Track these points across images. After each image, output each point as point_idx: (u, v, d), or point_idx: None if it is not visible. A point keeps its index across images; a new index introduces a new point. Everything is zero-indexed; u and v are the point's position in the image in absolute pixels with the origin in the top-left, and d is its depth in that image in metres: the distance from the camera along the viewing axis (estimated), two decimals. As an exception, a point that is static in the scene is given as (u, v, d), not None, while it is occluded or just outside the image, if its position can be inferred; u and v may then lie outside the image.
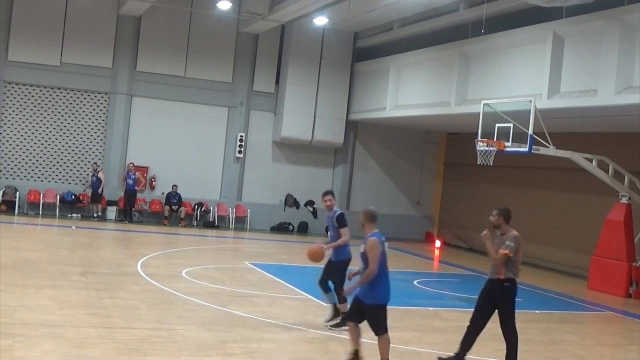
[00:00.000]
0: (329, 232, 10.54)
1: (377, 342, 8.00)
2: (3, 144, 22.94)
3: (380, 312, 7.90)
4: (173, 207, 23.88)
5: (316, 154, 26.21)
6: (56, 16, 22.91)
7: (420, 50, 22.19)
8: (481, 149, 16.24)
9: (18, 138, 23.10)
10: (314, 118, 25.31)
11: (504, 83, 18.34)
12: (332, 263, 10.29)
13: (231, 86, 25.13)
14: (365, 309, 7.93)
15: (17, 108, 23.03)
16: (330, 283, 10.30)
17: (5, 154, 23.00)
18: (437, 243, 25.72)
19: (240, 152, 24.96)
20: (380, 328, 7.92)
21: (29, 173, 23.28)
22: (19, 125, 23.08)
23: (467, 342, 8.69)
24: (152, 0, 21.80)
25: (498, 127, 16.20)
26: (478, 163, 16.41)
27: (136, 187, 23.39)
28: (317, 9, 21.23)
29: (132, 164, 23.38)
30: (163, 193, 24.18)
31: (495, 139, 16.08)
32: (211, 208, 24.67)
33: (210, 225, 24.38)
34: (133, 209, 23.56)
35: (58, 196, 22.93)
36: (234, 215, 24.87)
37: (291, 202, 25.94)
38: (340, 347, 9.22)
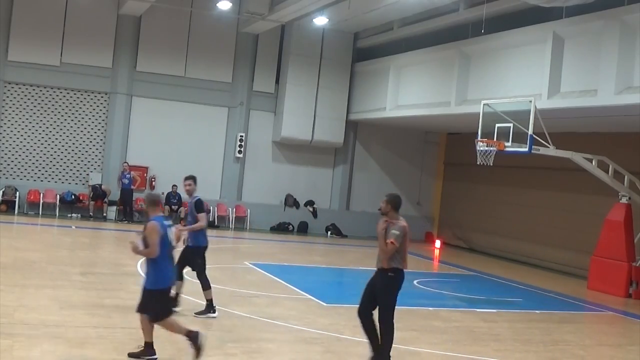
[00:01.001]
0: (187, 218, 10.59)
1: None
2: (3, 144, 22.93)
3: (157, 297, 7.72)
4: (173, 207, 23.88)
5: (316, 154, 26.21)
6: (56, 16, 22.91)
7: (420, 50, 22.19)
8: (481, 149, 16.24)
9: (18, 138, 23.09)
10: (314, 118, 25.31)
11: (504, 83, 18.34)
12: (189, 249, 10.33)
13: (231, 86, 25.13)
14: (145, 293, 7.83)
15: (17, 108, 23.04)
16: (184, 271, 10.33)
17: (5, 154, 23.00)
18: (437, 243, 25.73)
19: (240, 152, 24.96)
20: (158, 314, 7.69)
21: (28, 173, 23.28)
22: (19, 125, 23.08)
23: (372, 337, 8.19)
24: (152, 0, 21.80)
25: (498, 127, 16.19)
26: (478, 163, 16.41)
27: (132, 187, 23.36)
28: (317, 9, 21.23)
29: (126, 164, 23.39)
30: (163, 193, 24.16)
31: (495, 139, 16.08)
32: (211, 208, 24.67)
33: (210, 225, 24.28)
34: (133, 209, 23.57)
35: (58, 196, 22.93)
36: (234, 215, 24.87)
37: (291, 202, 25.95)
38: (340, 347, 9.22)
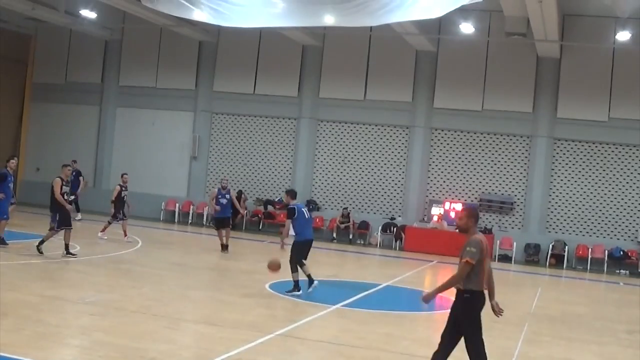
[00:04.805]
0: None
1: None
2: (553, 198, 23.82)
3: None
4: None
5: None
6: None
7: None
8: None
9: (567, 193, 23.71)
10: None
11: None
12: None
13: None
14: None
15: (567, 163, 23.73)
16: None
17: (555, 209, 23.82)
18: None
19: None
20: None
21: (577, 228, 23.61)
22: (568, 180, 23.70)
23: None
24: None
25: None
26: None
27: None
28: None
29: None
30: None
31: None
32: None
33: None
34: None
35: (606, 251, 22.67)
36: None
37: None
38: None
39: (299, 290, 12.63)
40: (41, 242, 14.53)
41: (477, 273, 6.93)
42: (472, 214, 7.09)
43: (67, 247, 14.54)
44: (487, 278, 7.09)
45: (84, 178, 23.71)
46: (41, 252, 14.42)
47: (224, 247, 17.90)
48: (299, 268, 12.74)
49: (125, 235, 18.55)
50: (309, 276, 12.71)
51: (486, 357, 7.01)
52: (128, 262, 15.55)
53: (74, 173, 23.32)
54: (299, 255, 12.80)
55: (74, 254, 14.63)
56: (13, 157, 16.02)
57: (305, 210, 13.24)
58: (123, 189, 18.98)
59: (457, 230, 7.18)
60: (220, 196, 18.04)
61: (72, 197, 22.88)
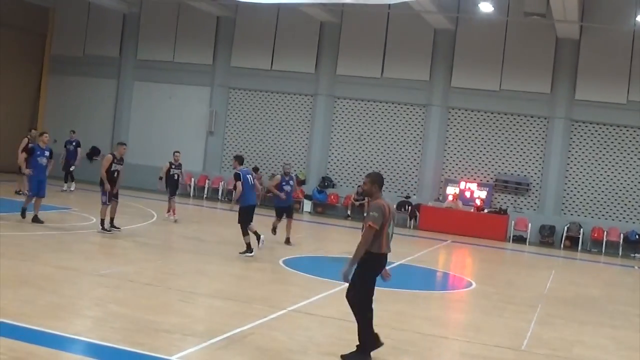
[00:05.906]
0: None
1: None
2: (569, 180, 23.67)
3: None
4: None
5: None
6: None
7: None
8: None
9: (584, 175, 23.54)
10: None
11: None
12: None
13: None
14: None
15: (584, 145, 23.54)
16: None
17: (571, 191, 23.69)
18: None
19: None
20: None
21: (592, 210, 23.48)
22: (584, 161, 23.52)
23: None
24: None
25: None
26: None
27: None
28: None
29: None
30: None
31: None
32: None
33: None
34: None
35: (622, 235, 22.53)
36: None
37: None
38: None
39: (251, 252, 13.56)
40: (112, 221, 14.86)
41: (377, 236, 7.44)
42: (375, 179, 7.69)
43: (111, 220, 14.81)
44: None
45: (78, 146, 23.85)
46: (118, 228, 14.93)
47: (287, 241, 16.02)
48: (248, 231, 13.75)
49: (174, 213, 18.44)
50: (255, 232, 13.81)
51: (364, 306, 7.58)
52: (143, 235, 15.67)
53: (73, 143, 23.62)
54: (245, 220, 13.78)
55: (117, 227, 14.95)
56: (43, 133, 16.16)
57: (249, 177, 14.03)
58: (173, 166, 18.86)
59: (362, 195, 8.05)
60: (284, 183, 16.12)
61: (72, 168, 23.10)
